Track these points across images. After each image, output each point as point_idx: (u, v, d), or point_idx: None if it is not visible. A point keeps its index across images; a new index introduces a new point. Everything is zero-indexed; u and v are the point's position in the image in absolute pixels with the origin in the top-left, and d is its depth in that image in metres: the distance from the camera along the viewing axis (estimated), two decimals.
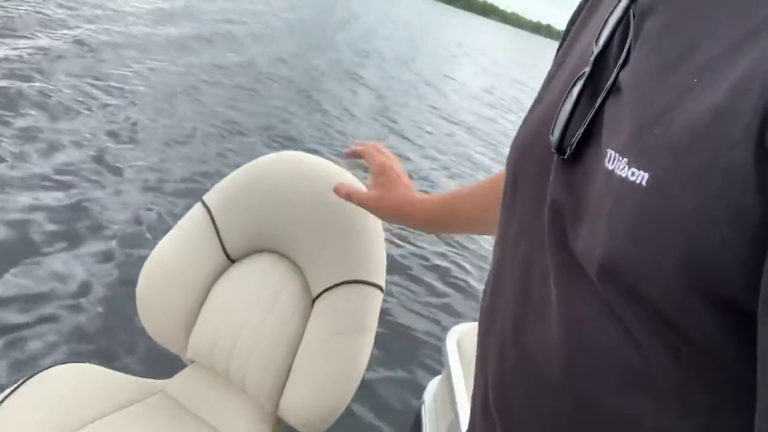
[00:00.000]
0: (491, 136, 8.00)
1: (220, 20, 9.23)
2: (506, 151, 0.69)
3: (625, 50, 0.48)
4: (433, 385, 1.54)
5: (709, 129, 0.38)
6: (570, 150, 0.49)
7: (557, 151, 0.50)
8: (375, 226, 1.20)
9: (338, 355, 1.13)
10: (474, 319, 1.17)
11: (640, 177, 0.41)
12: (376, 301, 1.17)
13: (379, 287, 1.18)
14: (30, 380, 1.13)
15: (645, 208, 0.41)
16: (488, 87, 13.35)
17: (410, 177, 1.02)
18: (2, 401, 1.07)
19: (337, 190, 1.05)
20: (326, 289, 1.17)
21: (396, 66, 10.75)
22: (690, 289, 0.39)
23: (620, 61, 0.48)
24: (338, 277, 1.17)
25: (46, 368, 1.17)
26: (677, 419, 0.43)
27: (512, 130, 6.80)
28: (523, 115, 0.63)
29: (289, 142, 4.87)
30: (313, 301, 1.19)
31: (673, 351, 0.42)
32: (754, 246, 0.36)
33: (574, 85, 0.51)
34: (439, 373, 1.52)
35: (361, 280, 1.16)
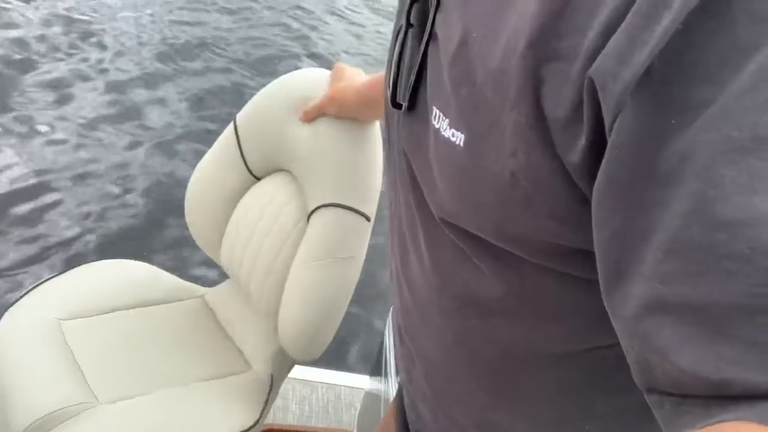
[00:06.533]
0: None
1: None
2: None
3: None
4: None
5: (495, 91, 0.38)
6: (404, 106, 0.49)
7: (393, 106, 0.50)
8: (376, 153, 1.20)
9: (326, 281, 1.15)
10: None
11: (459, 138, 0.41)
12: (363, 230, 1.18)
13: (367, 217, 1.18)
14: (83, 266, 1.30)
15: (464, 167, 0.42)
16: None
17: None
18: (54, 277, 1.26)
19: (304, 117, 1.15)
20: (318, 207, 1.17)
21: None
22: (511, 235, 0.43)
23: (434, 8, 0.45)
24: (330, 198, 1.16)
25: (100, 260, 1.35)
26: (511, 325, 0.49)
27: None
28: None
29: None
30: (308, 219, 1.20)
31: (505, 271, 0.46)
32: (554, 197, 0.37)
33: (396, 39, 0.51)
34: None
35: (351, 207, 1.17)
